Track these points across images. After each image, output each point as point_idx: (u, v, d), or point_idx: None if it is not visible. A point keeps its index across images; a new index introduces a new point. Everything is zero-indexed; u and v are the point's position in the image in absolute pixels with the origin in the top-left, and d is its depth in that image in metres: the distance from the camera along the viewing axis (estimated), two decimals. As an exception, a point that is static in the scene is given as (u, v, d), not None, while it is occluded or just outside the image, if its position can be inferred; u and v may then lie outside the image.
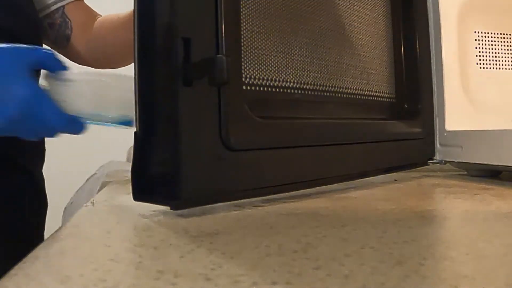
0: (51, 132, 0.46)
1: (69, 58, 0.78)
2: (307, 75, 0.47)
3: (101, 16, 0.79)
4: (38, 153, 0.68)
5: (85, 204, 0.43)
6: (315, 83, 0.48)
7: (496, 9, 0.69)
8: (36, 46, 0.47)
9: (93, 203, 0.43)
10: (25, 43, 0.46)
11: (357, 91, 0.54)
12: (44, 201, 0.69)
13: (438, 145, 0.64)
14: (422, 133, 0.61)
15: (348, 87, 0.53)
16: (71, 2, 0.75)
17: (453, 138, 0.61)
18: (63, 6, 0.74)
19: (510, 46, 0.69)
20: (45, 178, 0.64)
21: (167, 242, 0.28)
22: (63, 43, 0.75)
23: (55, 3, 0.73)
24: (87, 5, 0.78)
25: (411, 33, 0.62)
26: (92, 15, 0.78)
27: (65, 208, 0.68)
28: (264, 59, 0.42)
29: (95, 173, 0.66)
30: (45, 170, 0.65)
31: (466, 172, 0.65)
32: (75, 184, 0.77)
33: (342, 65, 0.52)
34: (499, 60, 0.69)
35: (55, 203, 0.63)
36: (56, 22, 0.74)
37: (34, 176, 0.66)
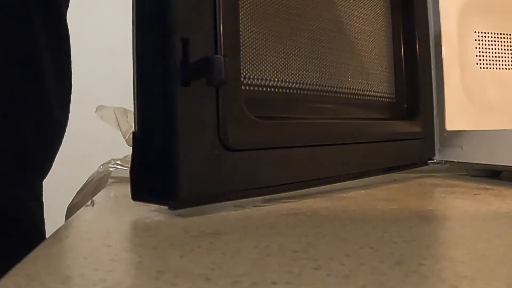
0: None
1: None
2: (306, 75, 0.47)
3: None
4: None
5: (85, 204, 0.43)
6: (314, 83, 0.48)
7: (496, 9, 0.69)
8: None
9: (93, 203, 0.43)
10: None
11: (356, 91, 0.54)
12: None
13: (438, 145, 0.64)
14: (422, 133, 0.61)
15: (348, 87, 0.53)
16: None
17: (453, 138, 0.61)
18: None
19: (510, 46, 0.69)
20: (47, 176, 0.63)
21: (167, 242, 0.28)
22: None
23: None
24: None
25: (411, 33, 0.62)
26: None
27: (68, 208, 0.68)
28: (263, 59, 0.42)
29: (96, 171, 0.66)
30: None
31: (466, 172, 0.65)
32: (77, 184, 0.77)
33: (342, 65, 0.52)
34: (499, 60, 0.69)
35: (57, 203, 0.62)
36: None
37: None
